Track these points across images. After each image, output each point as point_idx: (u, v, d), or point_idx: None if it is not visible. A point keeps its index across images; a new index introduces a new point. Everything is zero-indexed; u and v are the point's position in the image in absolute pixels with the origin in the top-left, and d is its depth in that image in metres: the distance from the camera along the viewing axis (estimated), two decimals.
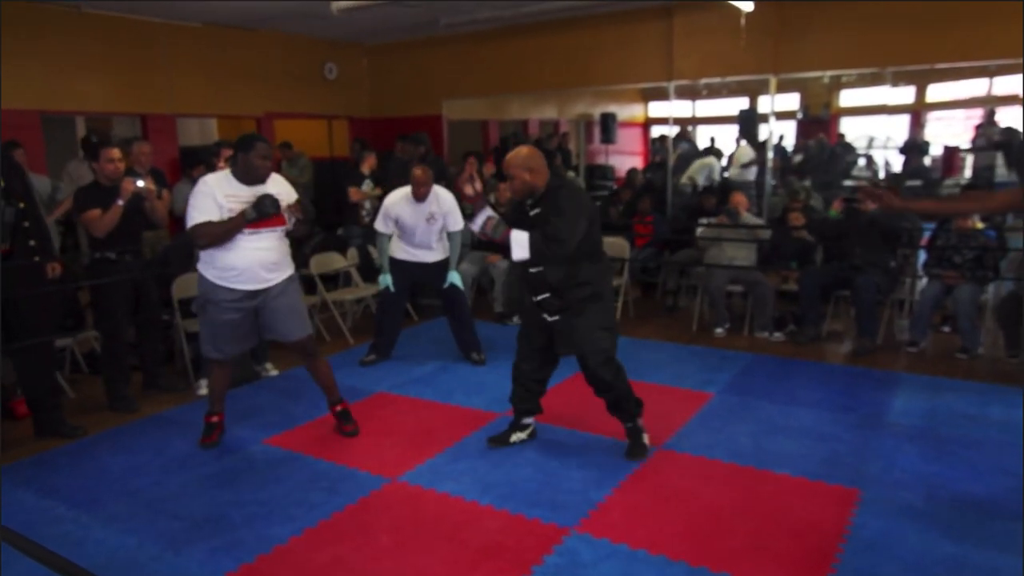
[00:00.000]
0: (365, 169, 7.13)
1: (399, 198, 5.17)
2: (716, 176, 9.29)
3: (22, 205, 4.07)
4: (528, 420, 4.00)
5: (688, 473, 3.57)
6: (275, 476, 3.63)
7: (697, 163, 9.38)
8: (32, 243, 4.12)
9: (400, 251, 5.29)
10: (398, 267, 5.30)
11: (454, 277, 5.29)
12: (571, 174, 10.20)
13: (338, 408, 4.18)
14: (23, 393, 4.42)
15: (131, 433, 4.26)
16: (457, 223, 5.20)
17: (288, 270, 3.91)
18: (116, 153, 4.50)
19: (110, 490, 3.53)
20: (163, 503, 3.38)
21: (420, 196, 5.09)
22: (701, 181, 9.11)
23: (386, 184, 7.47)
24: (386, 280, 5.30)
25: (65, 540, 3.04)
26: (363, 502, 3.34)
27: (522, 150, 3.61)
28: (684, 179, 9.03)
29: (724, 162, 9.78)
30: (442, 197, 5.16)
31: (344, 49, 9.57)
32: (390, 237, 5.28)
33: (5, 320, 4.03)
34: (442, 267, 5.29)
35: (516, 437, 3.96)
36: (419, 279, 5.52)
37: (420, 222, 5.13)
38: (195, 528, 3.14)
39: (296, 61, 9.02)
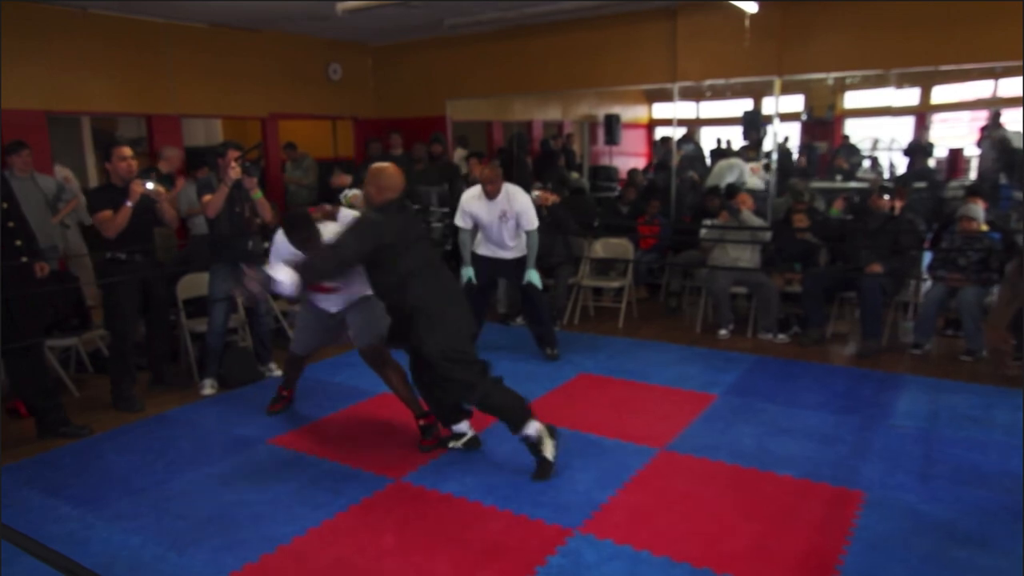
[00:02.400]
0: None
1: (472, 196, 5.24)
2: (746, 178, 8.95)
3: (5, 206, 4.05)
4: (460, 427, 3.88)
5: (691, 475, 3.57)
6: (279, 476, 3.64)
7: (724, 163, 9.07)
8: (19, 243, 4.10)
9: (481, 247, 5.38)
10: (478, 262, 5.38)
11: (532, 276, 5.29)
12: (575, 175, 10.19)
13: (421, 422, 3.98)
14: (18, 396, 4.44)
15: (135, 433, 4.27)
16: (531, 222, 5.16)
17: (361, 291, 4.02)
18: (127, 151, 4.55)
19: (114, 489, 3.54)
20: (167, 502, 3.38)
21: (489, 194, 5.13)
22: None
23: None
24: (467, 273, 5.33)
25: (70, 539, 3.05)
26: (367, 502, 3.35)
27: (385, 168, 3.55)
28: (709, 183, 8.75)
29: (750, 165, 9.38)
30: (514, 196, 5.16)
31: (348, 50, 9.58)
32: (472, 233, 5.33)
33: None
34: (520, 264, 5.32)
35: (452, 444, 3.88)
36: (498, 274, 5.63)
37: (494, 220, 5.18)
38: (199, 527, 3.14)
39: (301, 62, 9.04)
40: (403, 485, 3.51)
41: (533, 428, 3.50)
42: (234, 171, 4.58)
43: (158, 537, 3.08)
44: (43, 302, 4.45)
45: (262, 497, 3.41)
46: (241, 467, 3.76)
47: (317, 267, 3.47)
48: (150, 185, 4.50)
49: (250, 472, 3.70)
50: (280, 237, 4.11)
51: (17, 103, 6.41)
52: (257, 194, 4.81)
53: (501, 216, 5.16)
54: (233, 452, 3.95)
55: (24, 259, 4.11)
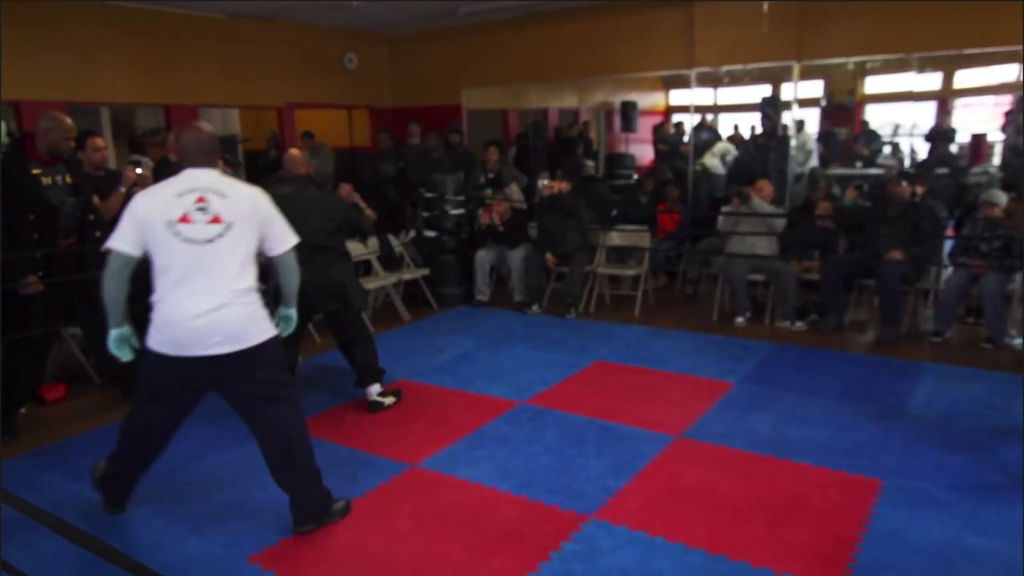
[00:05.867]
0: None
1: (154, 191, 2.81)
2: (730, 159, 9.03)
3: (85, 199, 4.25)
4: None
5: (707, 462, 3.56)
6: None
7: (719, 146, 9.18)
8: (99, 234, 4.28)
9: (155, 333, 2.74)
10: (161, 367, 2.77)
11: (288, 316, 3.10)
12: (590, 163, 10.14)
13: None
14: (100, 364, 4.73)
15: None
16: (284, 239, 2.91)
17: None
18: (100, 142, 4.68)
19: None
20: (187, 487, 3.44)
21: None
22: (716, 164, 8.92)
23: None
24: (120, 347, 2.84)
25: (92, 523, 3.10)
26: (383, 488, 3.38)
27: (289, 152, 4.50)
28: (697, 165, 8.83)
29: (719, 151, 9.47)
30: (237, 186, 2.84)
31: (364, 39, 9.58)
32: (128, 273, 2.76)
33: (78, 302, 4.22)
34: (241, 365, 2.77)
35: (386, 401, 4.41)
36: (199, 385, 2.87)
37: (198, 230, 2.68)
38: (219, 512, 3.19)
39: (317, 51, 9.05)
40: (418, 471, 3.54)
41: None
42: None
43: (179, 521, 3.13)
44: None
45: None
46: (258, 453, 3.79)
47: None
48: (140, 170, 4.61)
49: None
50: None
51: (38, 94, 6.49)
52: None
53: (201, 207, 2.68)
54: (250, 439, 3.96)
55: (104, 248, 4.27)
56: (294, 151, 4.53)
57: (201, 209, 2.67)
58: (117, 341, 2.84)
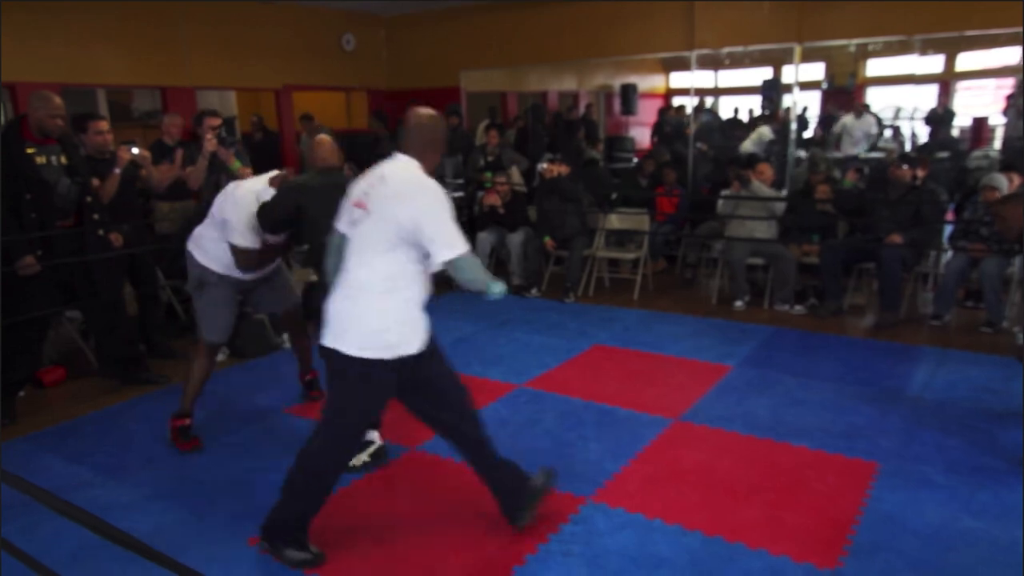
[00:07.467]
0: None
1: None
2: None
3: (82, 181, 4.22)
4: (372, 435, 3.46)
5: (705, 445, 3.57)
6: (296, 444, 3.64)
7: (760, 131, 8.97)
8: (96, 216, 4.28)
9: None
10: None
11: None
12: (599, 147, 10.05)
13: (308, 377, 4.23)
14: (104, 349, 4.64)
15: (154, 402, 4.33)
16: (444, 245, 2.53)
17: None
18: (104, 125, 4.64)
19: (135, 457, 3.60)
20: (186, 470, 3.44)
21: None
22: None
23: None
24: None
25: (92, 505, 3.10)
26: (382, 470, 3.39)
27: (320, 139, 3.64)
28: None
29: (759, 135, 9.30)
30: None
31: (362, 21, 9.50)
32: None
33: (76, 284, 4.24)
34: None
35: (356, 460, 3.34)
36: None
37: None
38: (218, 494, 3.20)
39: (314, 33, 8.98)
40: (418, 454, 3.55)
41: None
42: (209, 143, 4.57)
43: (179, 503, 3.14)
44: (118, 266, 4.60)
45: (279, 465, 3.41)
46: (258, 436, 3.81)
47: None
48: (135, 150, 4.58)
49: (267, 441, 3.75)
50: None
51: (34, 76, 6.44)
52: (235, 165, 4.80)
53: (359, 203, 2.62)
54: (250, 421, 4.00)
55: (101, 232, 4.32)
56: (324, 137, 3.70)
57: (367, 193, 2.57)
58: None
